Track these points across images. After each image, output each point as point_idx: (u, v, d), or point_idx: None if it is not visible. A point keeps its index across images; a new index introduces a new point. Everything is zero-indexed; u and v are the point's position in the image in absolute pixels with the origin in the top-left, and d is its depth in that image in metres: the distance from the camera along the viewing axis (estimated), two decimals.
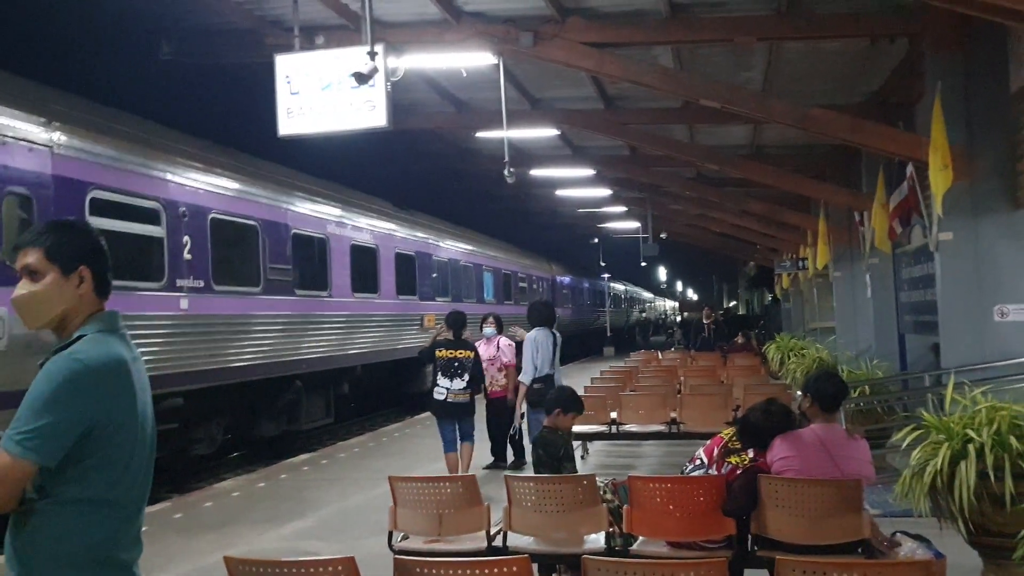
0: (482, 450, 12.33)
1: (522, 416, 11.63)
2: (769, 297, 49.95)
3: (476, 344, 12.27)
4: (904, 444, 6.92)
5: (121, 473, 2.91)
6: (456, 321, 11.69)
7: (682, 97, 14.12)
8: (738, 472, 5.90)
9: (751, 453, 6.00)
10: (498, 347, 12.64)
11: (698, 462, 6.22)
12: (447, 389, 11.22)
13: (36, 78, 11.32)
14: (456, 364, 11.30)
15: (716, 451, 6.13)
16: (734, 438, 6.15)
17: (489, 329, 12.86)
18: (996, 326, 9.96)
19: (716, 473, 5.99)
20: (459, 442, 11.42)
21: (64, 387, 2.78)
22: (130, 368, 2.97)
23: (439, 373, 11.31)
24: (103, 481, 2.87)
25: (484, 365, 12.12)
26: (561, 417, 7.27)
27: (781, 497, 5.67)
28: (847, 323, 19.33)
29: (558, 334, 11.88)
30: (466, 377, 11.29)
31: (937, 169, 9.45)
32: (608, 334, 49.87)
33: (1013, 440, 6.12)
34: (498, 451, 12.72)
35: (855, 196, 16.95)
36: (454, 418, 11.34)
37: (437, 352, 11.42)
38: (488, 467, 12.37)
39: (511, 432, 12.16)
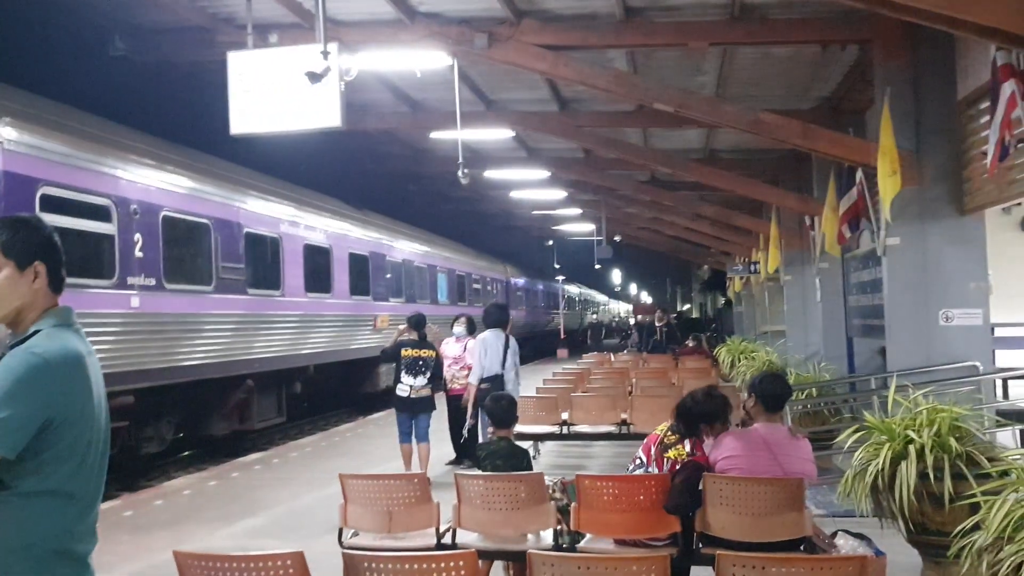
0: (446, 447, 12.65)
1: (473, 416, 11.72)
2: (722, 300, 50.22)
3: (445, 341, 12.93)
4: (847, 445, 7.04)
5: (78, 466, 2.94)
6: (419, 322, 12.19)
7: (636, 101, 14.20)
8: (677, 468, 5.98)
9: (688, 447, 6.07)
10: (465, 348, 12.93)
11: (638, 461, 6.26)
12: (410, 386, 11.68)
13: None
14: (420, 362, 11.77)
15: (653, 448, 6.18)
16: (669, 432, 6.21)
17: (459, 328, 13.31)
18: (941, 330, 10.13)
19: (657, 471, 6.06)
20: (415, 441, 11.74)
21: (23, 381, 2.80)
22: (86, 363, 3.00)
23: (403, 371, 11.73)
24: (60, 474, 2.89)
25: (448, 363, 12.66)
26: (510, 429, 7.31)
27: (725, 495, 5.75)
28: (797, 327, 19.53)
29: (512, 337, 12.09)
30: (428, 375, 11.75)
31: (886, 175, 9.60)
32: (562, 336, 49.99)
33: (952, 441, 6.26)
34: (460, 448, 12.84)
35: (806, 201, 17.14)
36: (414, 412, 11.75)
37: (403, 351, 11.84)
38: (451, 463, 12.49)
39: (464, 432, 12.20)
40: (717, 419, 6.18)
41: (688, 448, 6.07)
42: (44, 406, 2.83)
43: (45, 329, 2.97)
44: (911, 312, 10.31)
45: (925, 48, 10.29)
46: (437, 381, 12.13)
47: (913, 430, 6.45)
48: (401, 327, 12.55)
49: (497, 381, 11.43)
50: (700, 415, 6.13)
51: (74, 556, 2.96)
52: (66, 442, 2.90)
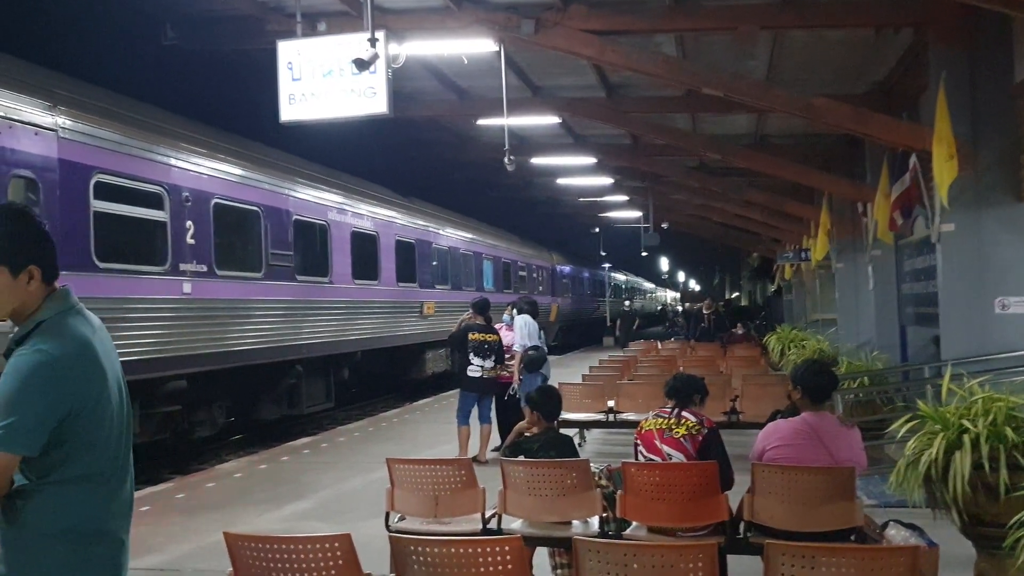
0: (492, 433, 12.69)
1: (520, 381, 12.54)
2: (772, 288, 49.64)
3: (496, 326, 13.19)
4: (900, 434, 6.94)
5: (103, 448, 2.99)
6: (483, 306, 12.74)
7: (685, 86, 14.06)
8: (700, 439, 6.11)
9: (691, 417, 6.21)
10: None
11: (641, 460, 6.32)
12: (481, 367, 12.29)
13: (41, 62, 11.34)
14: (486, 346, 12.32)
15: (659, 442, 6.21)
16: (660, 421, 6.30)
17: (512, 316, 13.63)
18: (997, 318, 9.94)
19: (680, 454, 6.12)
20: (478, 423, 12.27)
21: (34, 381, 2.84)
22: (94, 346, 3.02)
23: (472, 354, 12.23)
24: (88, 458, 2.95)
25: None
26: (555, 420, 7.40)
27: (774, 484, 5.69)
28: (848, 315, 19.28)
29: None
30: (493, 357, 12.29)
31: (942, 160, 9.41)
32: (608, 324, 49.81)
33: (1009, 431, 6.13)
34: (507, 435, 12.93)
35: (858, 187, 16.90)
36: (482, 393, 12.41)
37: (470, 335, 12.33)
38: (497, 449, 12.55)
39: (510, 393, 12.68)
40: (700, 392, 6.49)
41: (693, 418, 6.22)
42: (59, 402, 2.86)
43: (48, 319, 2.98)
44: (966, 300, 10.14)
45: (982, 32, 10.06)
46: (499, 364, 12.57)
47: (968, 419, 6.33)
48: (466, 315, 12.88)
49: (540, 349, 12.86)
50: (694, 390, 6.43)
51: (111, 535, 3.03)
52: (89, 428, 2.95)
